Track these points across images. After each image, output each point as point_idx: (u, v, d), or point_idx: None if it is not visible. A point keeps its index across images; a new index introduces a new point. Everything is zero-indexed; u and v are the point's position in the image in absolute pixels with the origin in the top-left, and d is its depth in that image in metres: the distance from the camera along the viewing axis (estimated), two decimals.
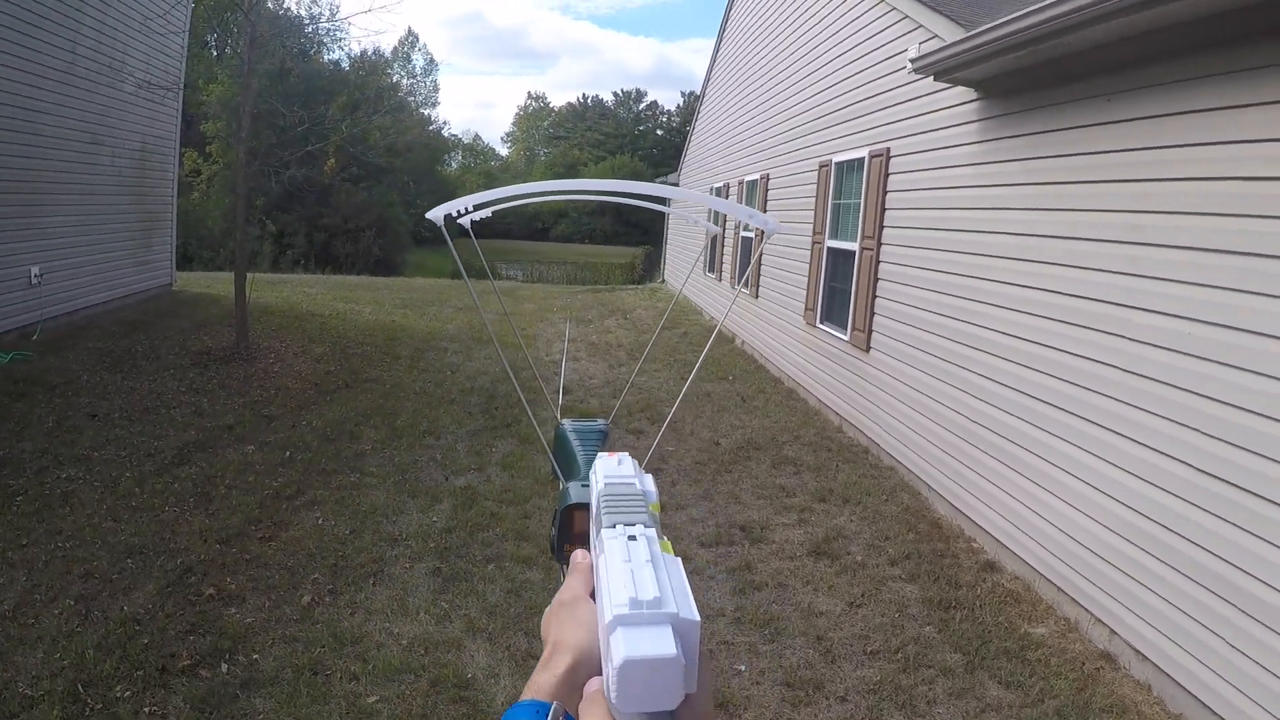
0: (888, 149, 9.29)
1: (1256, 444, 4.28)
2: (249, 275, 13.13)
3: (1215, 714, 4.50)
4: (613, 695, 0.70)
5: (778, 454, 9.29)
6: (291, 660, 4.92)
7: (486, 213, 3.05)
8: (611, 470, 0.99)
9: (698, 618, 0.74)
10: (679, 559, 0.82)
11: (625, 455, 1.03)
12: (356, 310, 18.32)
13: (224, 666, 4.83)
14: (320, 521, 6.88)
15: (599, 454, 1.02)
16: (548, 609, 1.00)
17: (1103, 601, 5.46)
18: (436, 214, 1.65)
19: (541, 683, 0.89)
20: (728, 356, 15.35)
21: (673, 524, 7.19)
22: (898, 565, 6.56)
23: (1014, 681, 5.04)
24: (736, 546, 6.81)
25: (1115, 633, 5.35)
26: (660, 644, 0.70)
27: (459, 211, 1.77)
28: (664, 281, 29.86)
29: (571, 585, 1.00)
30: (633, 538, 0.82)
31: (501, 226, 76.27)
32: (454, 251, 1.76)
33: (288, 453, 8.47)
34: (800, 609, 5.84)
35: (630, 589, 0.74)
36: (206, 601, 5.52)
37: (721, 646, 5.33)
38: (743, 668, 5.12)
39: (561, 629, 0.94)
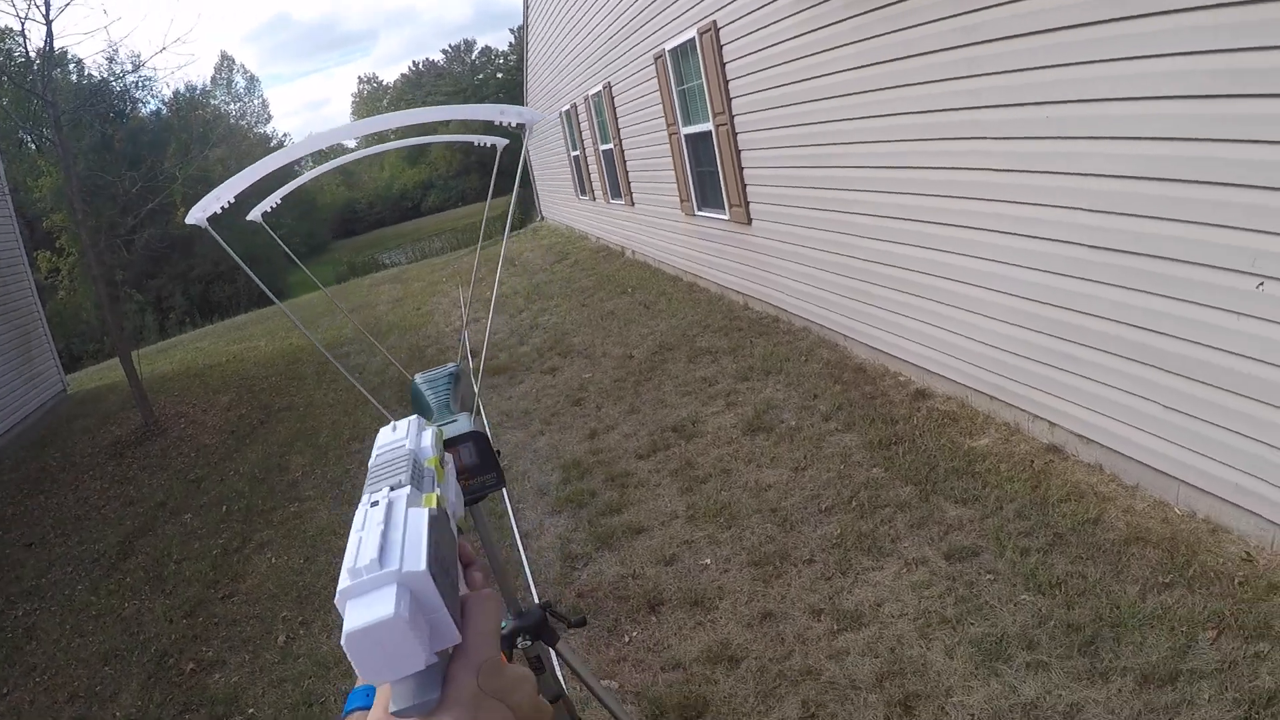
0: (714, 22, 9.15)
1: (1139, 207, 4.25)
2: (136, 352, 12.89)
3: (1168, 475, 4.54)
4: (356, 671, 0.65)
5: (692, 348, 9.25)
6: (285, 701, 4.91)
7: (275, 200, 2.88)
8: (384, 440, 0.91)
9: (422, 567, 0.67)
10: (426, 509, 0.75)
11: (411, 419, 0.96)
12: (251, 347, 18.05)
13: None
14: (273, 560, 6.82)
15: (381, 430, 0.93)
16: None
17: (1035, 398, 5.48)
18: (196, 217, 1.52)
19: None
20: (622, 270, 15.27)
21: (607, 446, 7.15)
22: (832, 419, 6.56)
23: (969, 497, 5.06)
24: (673, 448, 6.77)
25: (1055, 424, 5.38)
26: (378, 608, 0.64)
27: (223, 207, 1.64)
28: (543, 218, 29.63)
29: None
30: (374, 504, 0.76)
31: (373, 217, 75.60)
32: (230, 251, 1.63)
33: (224, 507, 8.34)
34: (748, 488, 5.82)
35: (351, 560, 0.68)
36: (190, 677, 5.48)
37: (683, 548, 5.31)
38: (708, 561, 5.10)
39: None
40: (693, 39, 9.91)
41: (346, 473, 8.37)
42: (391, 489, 0.78)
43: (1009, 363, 5.65)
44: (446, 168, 78.56)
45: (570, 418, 8.08)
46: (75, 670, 5.99)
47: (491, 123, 2.09)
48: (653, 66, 11.80)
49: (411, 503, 0.75)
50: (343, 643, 0.63)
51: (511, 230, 32.39)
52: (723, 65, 9.20)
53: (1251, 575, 3.88)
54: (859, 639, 4.12)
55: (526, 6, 22.55)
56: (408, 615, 0.64)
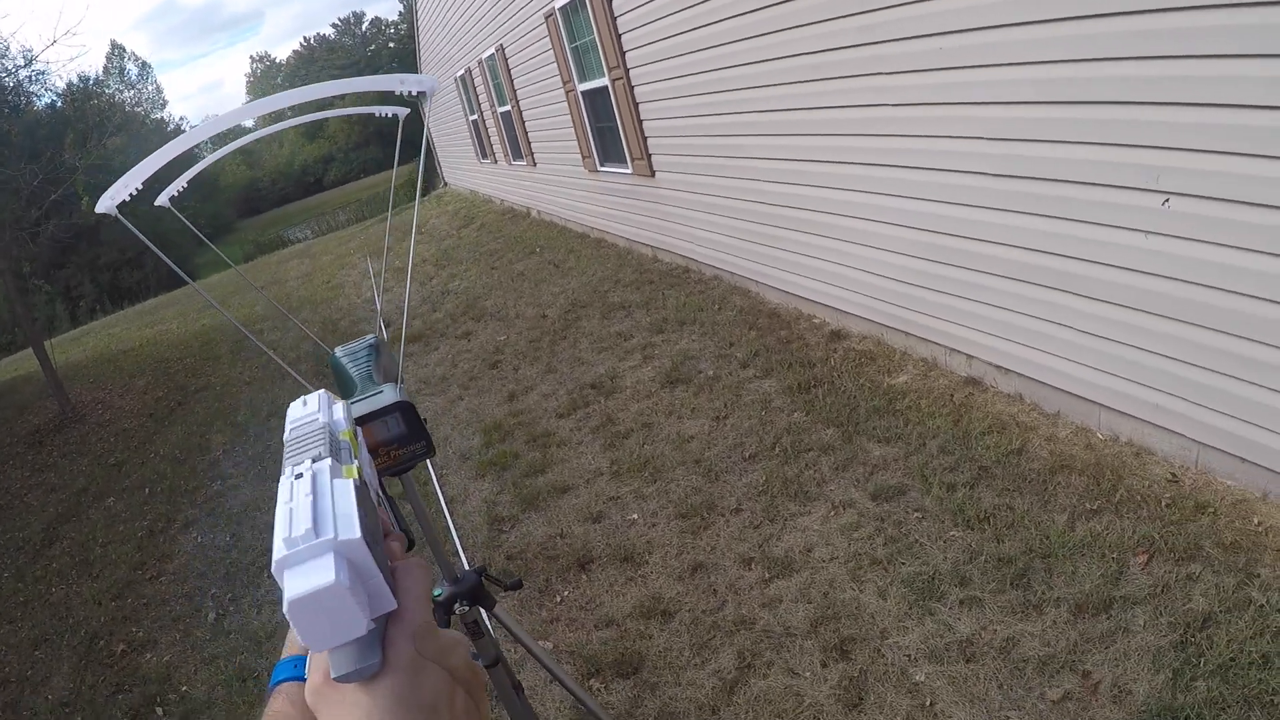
0: None
1: (1036, 131, 4.23)
2: (49, 341, 12.80)
3: (1088, 400, 4.57)
4: (299, 638, 0.65)
5: (605, 304, 9.18)
6: (219, 678, 4.92)
7: (181, 184, 2.80)
8: (296, 414, 0.91)
9: (356, 535, 0.67)
10: (350, 480, 0.75)
11: (316, 394, 0.95)
12: (164, 330, 17.98)
13: (159, 710, 4.83)
14: (199, 539, 6.82)
15: (291, 404, 0.89)
16: None
17: (950, 331, 5.48)
18: (105, 205, 1.45)
19: (294, 639, 0.92)
20: (529, 231, 15.15)
21: (527, 407, 7.08)
22: (749, 366, 6.53)
23: (892, 435, 5.06)
24: (593, 405, 6.71)
25: (973, 357, 5.39)
26: (319, 575, 0.64)
27: (131, 194, 1.58)
28: (446, 185, 29.34)
29: None
30: (299, 476, 0.75)
31: (278, 193, 74.77)
32: (144, 239, 1.55)
33: (146, 489, 8.33)
34: (671, 440, 5.78)
35: (285, 530, 0.68)
36: (122, 658, 5.50)
37: (609, 504, 5.27)
38: (635, 516, 5.06)
39: None
40: None
41: (267, 449, 8.35)
42: (313, 461, 0.77)
43: (921, 297, 5.64)
44: (346, 140, 77.63)
45: (488, 381, 7.99)
46: (5, 656, 6.00)
47: (391, 92, 2.04)
48: (544, 25, 11.63)
49: (334, 474, 0.75)
50: (285, 610, 0.63)
51: (421, 198, 32.10)
52: (614, 19, 9.08)
53: (1178, 496, 3.91)
54: (791, 585, 4.09)
55: None
56: (348, 582, 0.64)
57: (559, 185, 14.05)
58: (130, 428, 10.74)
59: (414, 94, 2.02)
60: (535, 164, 15.14)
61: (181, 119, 77.60)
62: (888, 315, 6.08)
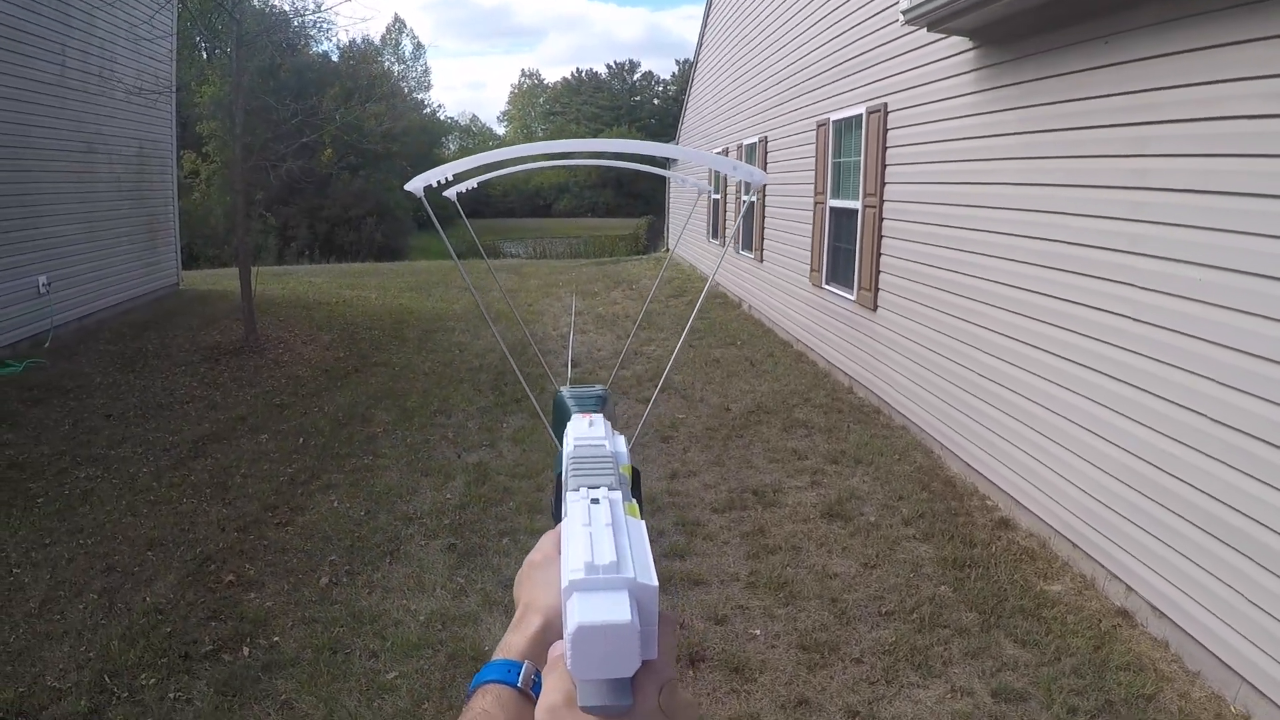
0: (885, 104, 9.20)
1: (1268, 390, 4.21)
2: (254, 269, 13.17)
3: (1231, 669, 4.46)
4: (568, 661, 0.69)
5: (788, 417, 9.25)
6: (311, 641, 4.97)
7: (473, 183, 3.00)
8: (582, 432, 0.97)
9: (655, 583, 0.72)
10: (642, 523, 0.80)
11: (599, 417, 1.02)
12: (362, 296, 18.37)
13: (245, 650, 4.89)
14: (335, 504, 6.94)
15: (573, 417, 0.98)
16: (520, 570, 1.01)
17: (1118, 557, 5.41)
18: (415, 185, 1.60)
19: (512, 643, 0.92)
20: (735, 322, 15.31)
21: (685, 490, 7.18)
22: (911, 525, 6.53)
23: (1030, 640, 5.00)
24: (749, 510, 6.78)
25: (1132, 589, 5.30)
26: (615, 610, 0.68)
27: (440, 181, 1.72)
28: (668, 250, 29.76)
29: (543, 547, 1.01)
30: (595, 500, 0.81)
31: (504, 205, 76.28)
32: (436, 224, 1.71)
33: (301, 439, 8.53)
34: (814, 571, 5.81)
35: (587, 554, 0.72)
36: (226, 588, 5.59)
37: (736, 611, 5.32)
38: (758, 632, 5.10)
39: (533, 590, 0.96)
40: (860, 114, 9.95)
41: (426, 442, 8.50)
42: (609, 489, 0.81)
43: (1100, 514, 5.59)
44: (585, 177, 79.09)
45: (655, 453, 8.13)
46: (119, 545, 6.14)
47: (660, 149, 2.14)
48: (814, 132, 11.85)
49: (623, 509, 0.79)
50: (571, 631, 0.67)
51: (639, 255, 32.53)
52: (884, 149, 9.23)
53: None
54: None
55: (700, 45, 22.79)
56: (639, 625, 0.67)
57: (778, 288, 14.20)
58: (304, 376, 11.07)
59: (743, 185, 2.10)
60: (762, 260, 15.33)
61: (440, 106, 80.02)
62: (1062, 521, 6.02)
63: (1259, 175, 4.29)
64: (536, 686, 0.83)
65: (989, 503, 6.95)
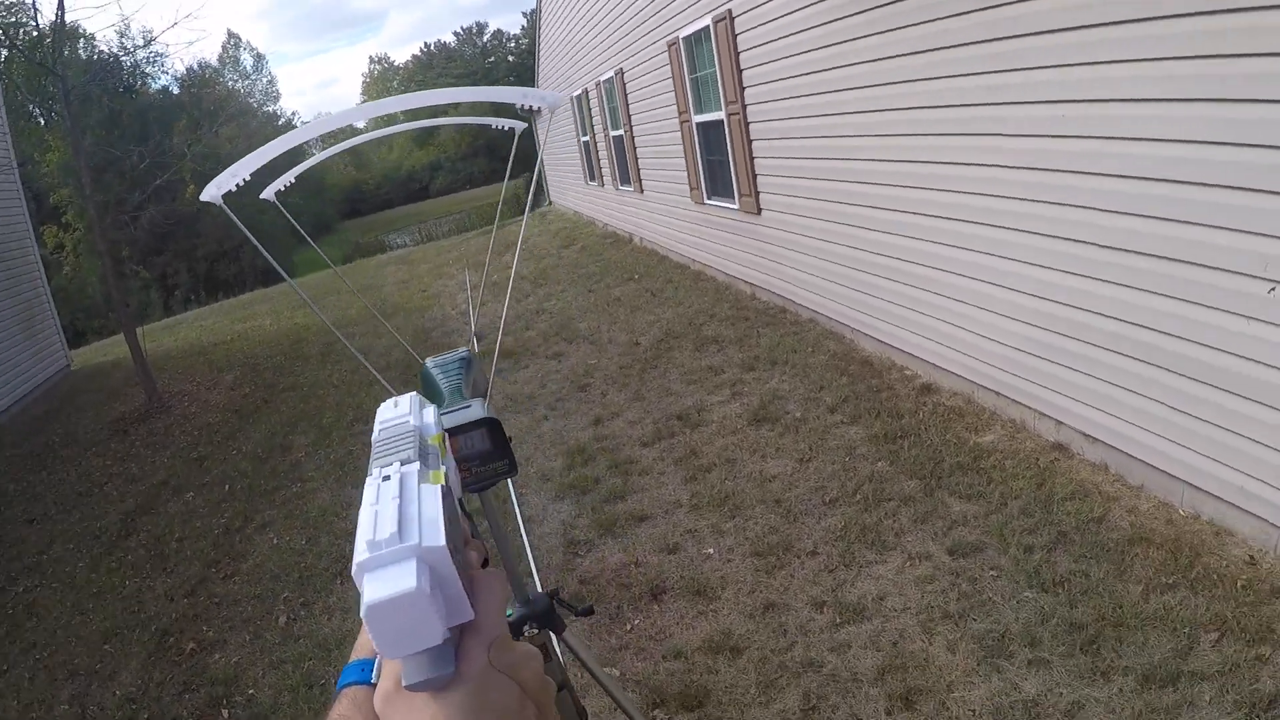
0: (729, 10, 9.13)
1: (1151, 208, 4.24)
2: (141, 329, 12.86)
3: (1173, 476, 4.54)
4: (375, 645, 0.66)
5: (698, 336, 9.25)
6: (285, 683, 4.90)
7: (289, 179, 2.89)
8: (386, 415, 0.91)
9: (441, 542, 0.67)
10: (438, 485, 0.76)
11: (406, 396, 0.95)
12: (256, 326, 18.06)
13: (225, 713, 4.81)
14: (275, 541, 6.82)
15: (383, 404, 0.94)
16: None
17: (1043, 395, 5.48)
18: (211, 194, 1.52)
19: (365, 641, 0.91)
20: (629, 257, 15.27)
21: (612, 433, 7.16)
22: (837, 411, 6.56)
23: (974, 493, 5.06)
24: (678, 436, 6.77)
25: (1062, 423, 5.37)
26: (401, 580, 0.64)
27: (237, 185, 1.64)
28: (551, 203, 29.59)
29: None
30: (386, 478, 0.76)
31: (380, 198, 75.43)
32: (246, 231, 1.63)
33: (226, 486, 8.34)
34: (753, 479, 5.83)
35: (369, 532, 0.68)
36: (190, 657, 5.48)
37: (686, 536, 5.32)
38: (711, 550, 5.10)
39: None
40: (707, 27, 9.88)
41: (350, 454, 8.36)
42: (402, 464, 0.78)
43: (1016, 359, 5.64)
44: (455, 150, 78.35)
45: (575, 403, 8.09)
46: (75, 648, 5.97)
47: (508, 105, 2.09)
48: (666, 54, 11.78)
49: (421, 479, 0.75)
50: (363, 614, 0.64)
51: (519, 215, 32.34)
52: (737, 54, 9.18)
53: (1254, 579, 3.89)
54: (861, 632, 4.13)
55: None
56: (429, 589, 0.64)
57: (664, 214, 14.17)
58: (214, 422, 10.81)
59: (535, 110, 2.06)
60: (643, 191, 15.27)
61: (294, 113, 78.78)
62: (980, 374, 6.08)
63: (1107, 4, 4.29)
64: None
65: (908, 373, 7.01)
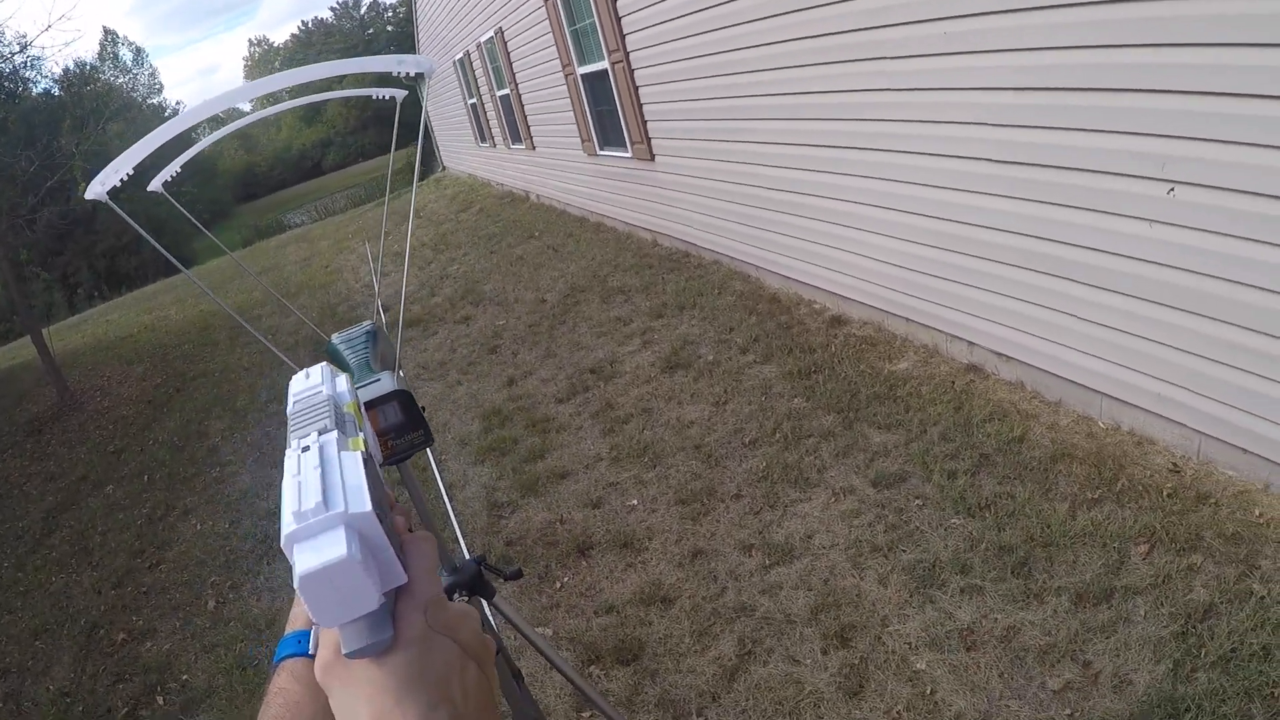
0: None
1: (1041, 118, 4.21)
2: (47, 329, 12.92)
3: (1089, 388, 4.55)
4: (310, 614, 0.64)
5: (604, 288, 9.17)
6: (219, 666, 4.93)
7: (175, 169, 2.77)
8: (299, 387, 0.90)
9: (367, 508, 0.67)
10: (358, 452, 0.75)
11: (317, 367, 0.94)
12: (162, 316, 18.04)
13: (160, 699, 4.85)
14: (199, 527, 6.83)
15: (294, 377, 0.90)
16: None
17: (951, 318, 5.47)
18: (96, 191, 1.43)
19: (298, 614, 0.94)
20: (528, 215, 15.12)
21: (526, 392, 7.06)
22: (749, 351, 6.52)
23: (893, 422, 5.04)
24: (592, 390, 6.70)
25: (974, 344, 5.37)
26: (330, 549, 0.63)
27: (122, 180, 1.56)
28: (444, 169, 29.27)
29: None
30: (305, 449, 0.75)
31: (275, 179, 74.63)
32: (135, 225, 1.53)
33: (145, 477, 8.33)
34: (671, 426, 5.77)
35: (294, 503, 0.67)
36: (121, 647, 5.52)
37: (609, 490, 5.26)
38: (634, 502, 5.06)
39: None
40: None
41: (266, 435, 8.36)
42: (320, 434, 0.77)
43: (922, 283, 5.62)
44: (344, 124, 77.41)
45: (487, 366, 7.98)
46: (5, 646, 6.01)
47: (389, 74, 2.01)
48: (543, 8, 11.59)
49: (340, 447, 0.74)
50: (296, 585, 0.63)
51: (419, 183, 32.03)
52: (613, 1, 9.05)
53: (1180, 486, 3.90)
54: (791, 572, 4.09)
55: None
56: (360, 556, 0.64)
57: (558, 169, 14.02)
58: (129, 415, 10.75)
59: (411, 75, 1.99)
60: (534, 148, 15.10)
61: (179, 103, 77.40)
62: (888, 301, 6.06)
63: None
64: None
65: (816, 306, 6.98)
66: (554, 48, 11.66)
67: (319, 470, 0.70)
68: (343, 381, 0.93)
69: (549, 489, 5.49)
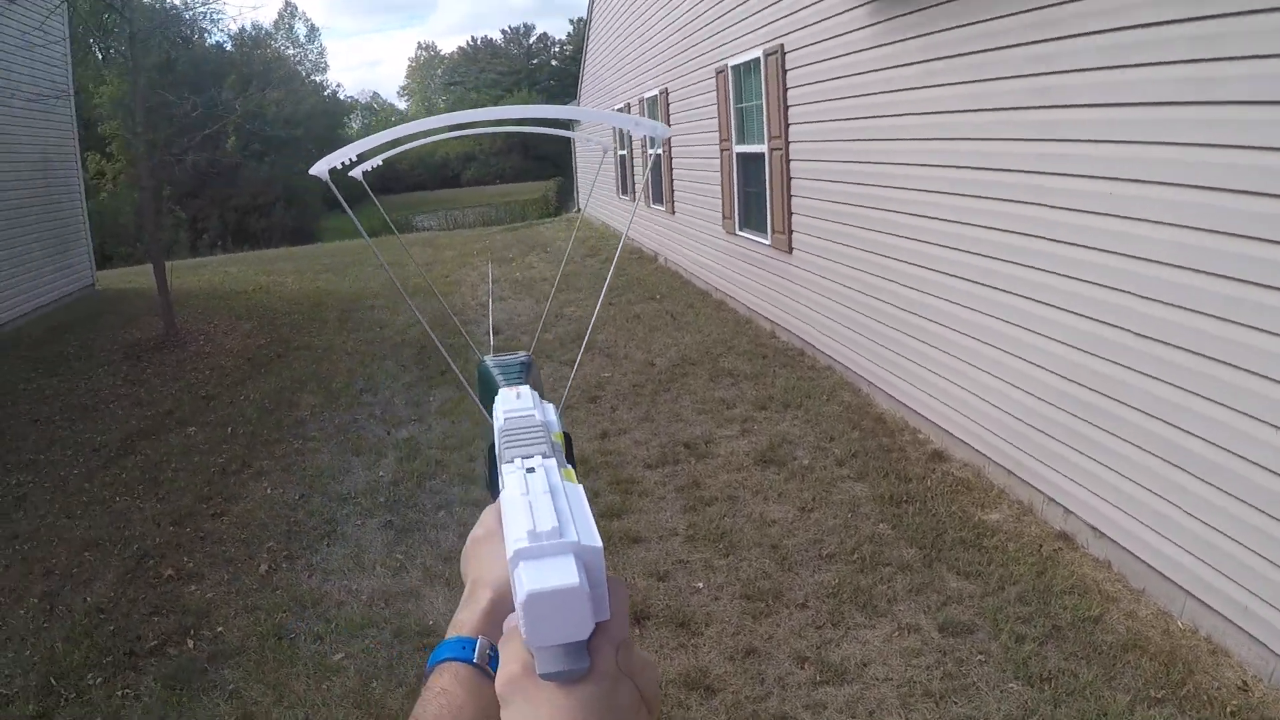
0: (782, 45, 9.13)
1: (1191, 300, 4.19)
2: (169, 264, 13.13)
3: (1176, 584, 4.47)
4: (523, 630, 0.67)
5: (714, 367, 9.21)
6: (255, 629, 4.97)
7: (377, 161, 2.90)
8: (511, 404, 0.97)
9: (599, 544, 0.70)
10: (580, 487, 0.79)
11: (526, 388, 1.02)
12: (279, 282, 18.30)
13: (190, 642, 4.89)
14: (269, 491, 6.91)
15: (501, 391, 1.01)
16: (465, 547, 1.01)
17: (1054, 480, 5.42)
18: (320, 169, 1.51)
19: (464, 620, 0.92)
20: (653, 276, 15.26)
21: (616, 449, 7.11)
22: (845, 465, 6.51)
23: (973, 571, 5.00)
24: (683, 464, 6.74)
25: (1070, 511, 5.31)
26: (563, 574, 0.66)
27: (344, 163, 1.64)
28: (579, 210, 29.63)
29: (485, 522, 1.00)
30: (531, 470, 0.80)
31: (413, 179, 75.85)
32: (346, 207, 1.62)
33: (229, 429, 8.47)
34: (752, 519, 5.78)
35: (528, 522, 0.71)
36: (166, 583, 5.58)
37: (678, 566, 5.28)
38: (701, 585, 5.06)
39: (480, 566, 0.96)
40: (758, 58, 9.88)
41: (354, 421, 8.47)
42: (542, 458, 0.81)
43: (1031, 438, 5.59)
44: (490, 143, 78.64)
45: (584, 414, 8.05)
46: (56, 548, 6.12)
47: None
48: (714, 80, 11.78)
49: (557, 475, 0.78)
50: (522, 600, 0.66)
51: (551, 217, 32.43)
52: (785, 90, 9.18)
53: (1245, 706, 3.82)
54: (839, 695, 4.07)
55: (592, 2, 22.53)
56: (588, 587, 0.66)
57: (692, 239, 14.15)
58: (226, 366, 10.99)
59: (646, 138, 2.04)
60: (674, 212, 15.26)
61: (339, 86, 79.29)
62: (993, 448, 6.03)
63: (1161, 84, 4.26)
64: (493, 662, 0.84)
65: (920, 436, 6.95)
66: (715, 120, 11.84)
67: (548, 495, 0.74)
68: (551, 410, 0.98)
69: (619, 550, 5.52)
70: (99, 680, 4.55)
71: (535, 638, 0.67)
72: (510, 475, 0.80)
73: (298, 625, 4.97)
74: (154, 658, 4.74)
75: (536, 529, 0.69)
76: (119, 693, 4.44)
